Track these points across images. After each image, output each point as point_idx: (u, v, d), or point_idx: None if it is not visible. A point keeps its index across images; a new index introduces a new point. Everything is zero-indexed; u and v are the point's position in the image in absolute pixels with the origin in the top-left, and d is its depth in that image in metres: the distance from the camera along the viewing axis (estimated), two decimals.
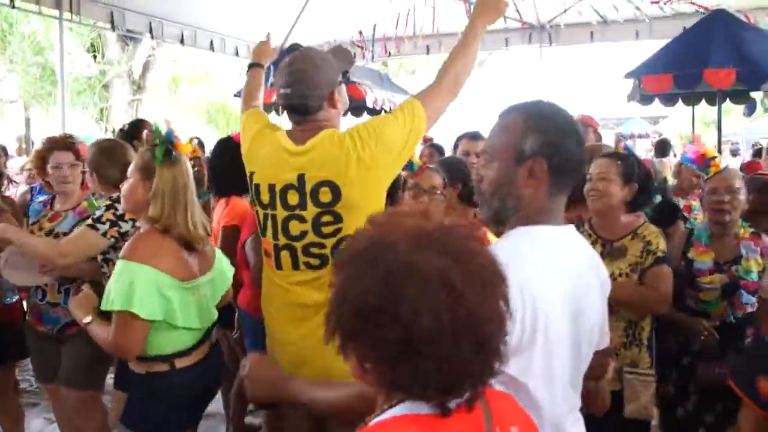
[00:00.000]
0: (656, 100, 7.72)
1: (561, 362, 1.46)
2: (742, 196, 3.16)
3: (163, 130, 2.33)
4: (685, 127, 16.75)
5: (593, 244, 2.92)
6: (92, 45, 17.17)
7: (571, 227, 1.61)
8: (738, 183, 3.17)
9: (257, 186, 2.32)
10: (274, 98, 4.48)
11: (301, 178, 2.22)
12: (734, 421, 3.06)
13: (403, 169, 2.96)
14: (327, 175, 2.19)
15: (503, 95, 19.66)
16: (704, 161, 3.32)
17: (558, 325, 1.42)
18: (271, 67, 8.15)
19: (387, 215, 1.16)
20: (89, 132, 15.00)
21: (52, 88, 16.84)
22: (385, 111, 7.90)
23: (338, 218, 2.20)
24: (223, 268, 2.59)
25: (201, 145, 6.27)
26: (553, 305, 1.41)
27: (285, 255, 2.28)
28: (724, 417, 3.07)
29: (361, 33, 8.60)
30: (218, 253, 2.60)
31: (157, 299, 2.19)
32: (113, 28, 9.04)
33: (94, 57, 17.58)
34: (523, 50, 10.91)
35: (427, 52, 10.19)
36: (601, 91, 20.52)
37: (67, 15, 8.29)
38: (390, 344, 0.97)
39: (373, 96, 7.40)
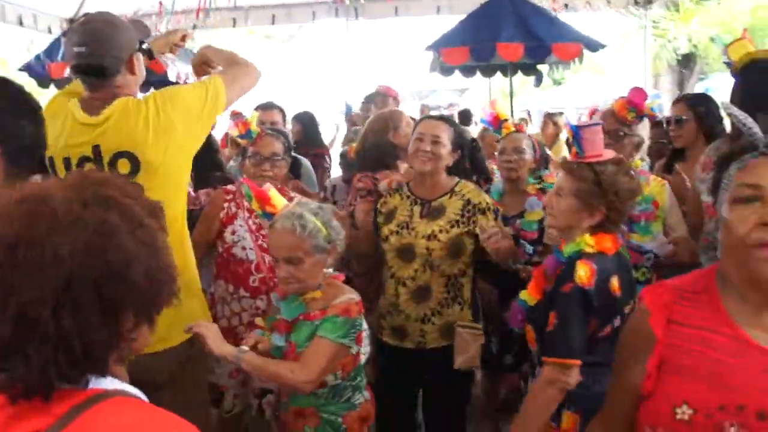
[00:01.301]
0: (457, 72, 8.14)
1: None
2: (528, 156, 3.50)
3: None
4: (486, 98, 17.85)
5: (412, 205, 3.03)
6: None
7: None
8: (524, 144, 3.50)
9: (51, 160, 2.16)
10: (66, 72, 4.14)
11: (96, 150, 2.13)
12: (527, 362, 3.40)
13: (241, 138, 2.95)
14: (124, 146, 2.13)
15: (312, 68, 19.78)
16: (498, 123, 3.64)
17: None
18: (61, 39, 7.54)
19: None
20: None
21: None
22: None
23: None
24: None
25: None
26: None
27: None
28: (520, 359, 3.39)
29: (161, 4, 8.16)
30: None
31: None
32: None
33: None
34: (330, 24, 10.97)
35: (234, 25, 9.91)
36: (409, 64, 21.21)
37: None
38: None
39: (175, 69, 7.06)
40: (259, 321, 2.51)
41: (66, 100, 2.27)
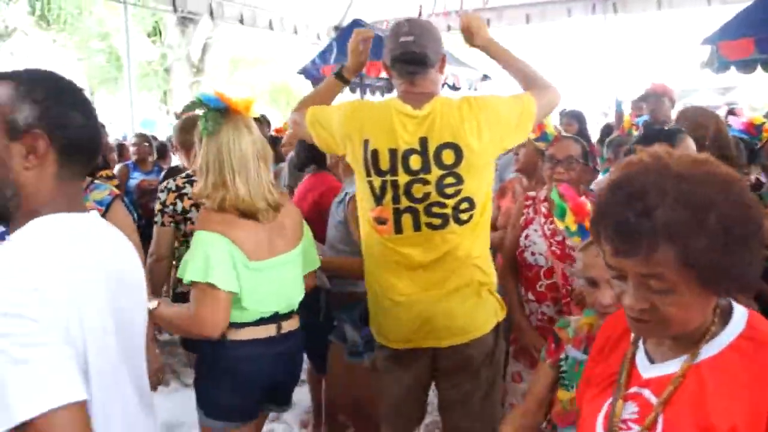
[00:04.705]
0: (732, 68, 7.38)
1: (117, 374, 1.27)
2: None
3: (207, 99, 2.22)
4: (756, 99, 16.00)
5: None
6: (154, 29, 17.53)
7: (94, 214, 1.36)
8: None
9: (375, 152, 2.30)
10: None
11: (423, 141, 2.27)
12: None
13: (537, 140, 2.93)
14: (448, 138, 2.26)
15: (565, 67, 19.25)
16: (754, 129, 3.23)
17: (107, 339, 1.24)
18: (334, 44, 8.08)
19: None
20: (152, 116, 15.34)
21: (117, 73, 17.31)
22: (457, 88, 7.77)
23: (460, 180, 2.28)
24: (309, 246, 2.47)
25: (267, 122, 6.29)
26: (98, 313, 1.22)
27: (407, 218, 2.31)
28: None
29: (420, 7, 8.43)
30: (307, 230, 2.47)
31: (232, 271, 2.12)
32: (175, 10, 9.15)
33: (153, 42, 17.95)
34: (586, 20, 10.58)
35: (488, 26, 9.93)
36: (665, 62, 19.78)
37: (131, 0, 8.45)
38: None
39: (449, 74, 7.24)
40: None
41: (373, 101, 2.45)
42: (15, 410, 1.00)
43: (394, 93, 2.43)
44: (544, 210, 2.91)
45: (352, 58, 2.54)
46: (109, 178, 4.35)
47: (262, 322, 2.27)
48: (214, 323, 2.12)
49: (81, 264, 1.21)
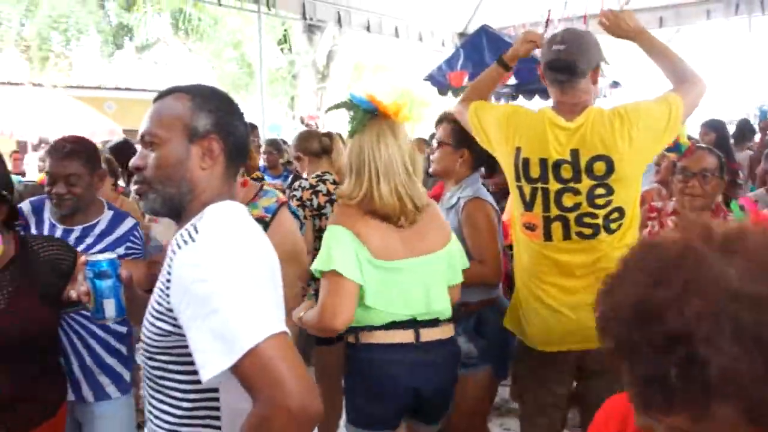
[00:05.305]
0: None
1: None
2: None
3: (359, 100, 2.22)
4: None
5: None
6: (284, 37, 18.25)
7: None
8: None
9: (526, 160, 2.35)
10: (465, 81, 4.39)
11: (574, 153, 2.29)
12: None
13: (669, 151, 2.85)
14: (600, 150, 2.26)
15: (702, 73, 18.19)
16: None
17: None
18: (460, 51, 8.07)
19: None
20: (279, 120, 15.95)
21: (247, 80, 18.15)
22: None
23: (610, 190, 2.28)
24: (455, 253, 2.33)
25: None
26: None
27: (557, 226, 2.33)
28: None
29: (549, 12, 8.23)
30: (453, 238, 2.35)
31: (355, 263, 2.09)
32: (304, 17, 9.48)
33: (281, 50, 18.68)
34: (727, 23, 9.96)
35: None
36: None
37: (264, 9, 8.82)
38: None
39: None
40: None
41: (528, 109, 2.49)
42: (241, 341, 1.16)
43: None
44: (671, 224, 2.79)
45: (517, 46, 2.60)
46: (260, 179, 4.56)
47: (394, 326, 2.18)
48: (335, 312, 2.08)
49: (261, 246, 1.40)
